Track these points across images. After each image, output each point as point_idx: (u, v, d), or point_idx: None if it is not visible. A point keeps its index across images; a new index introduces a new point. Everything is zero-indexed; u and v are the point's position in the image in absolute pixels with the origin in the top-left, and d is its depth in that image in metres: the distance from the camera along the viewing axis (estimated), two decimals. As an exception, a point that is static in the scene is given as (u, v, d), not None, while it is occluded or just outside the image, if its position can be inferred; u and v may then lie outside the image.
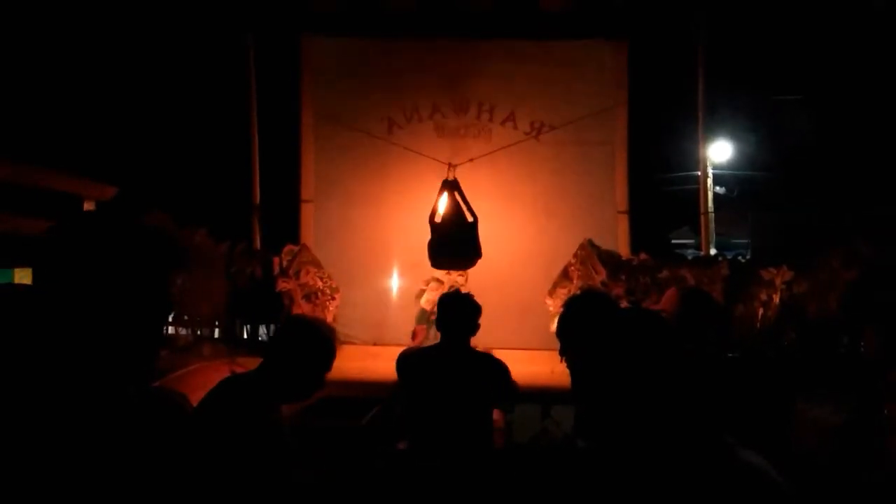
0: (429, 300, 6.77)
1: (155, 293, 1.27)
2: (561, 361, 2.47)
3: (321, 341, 2.27)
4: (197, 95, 7.67)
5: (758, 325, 5.90)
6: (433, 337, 3.79)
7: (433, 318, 6.67)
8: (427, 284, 6.89)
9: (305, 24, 7.63)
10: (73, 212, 5.15)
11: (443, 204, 6.37)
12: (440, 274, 6.81)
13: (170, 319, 6.03)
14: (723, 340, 5.59)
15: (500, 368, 3.38)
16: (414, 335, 4.04)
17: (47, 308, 1.15)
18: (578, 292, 4.56)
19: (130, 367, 1.24)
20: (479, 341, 5.11)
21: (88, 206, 5.47)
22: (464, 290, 6.57)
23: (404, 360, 3.43)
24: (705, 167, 8.58)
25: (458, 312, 3.34)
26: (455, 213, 6.32)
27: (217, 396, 2.10)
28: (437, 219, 6.31)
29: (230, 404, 2.06)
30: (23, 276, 5.32)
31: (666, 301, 2.89)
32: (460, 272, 6.70)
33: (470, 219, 6.33)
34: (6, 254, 5.09)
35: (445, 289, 6.63)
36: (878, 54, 7.53)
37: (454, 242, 6.24)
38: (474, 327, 3.39)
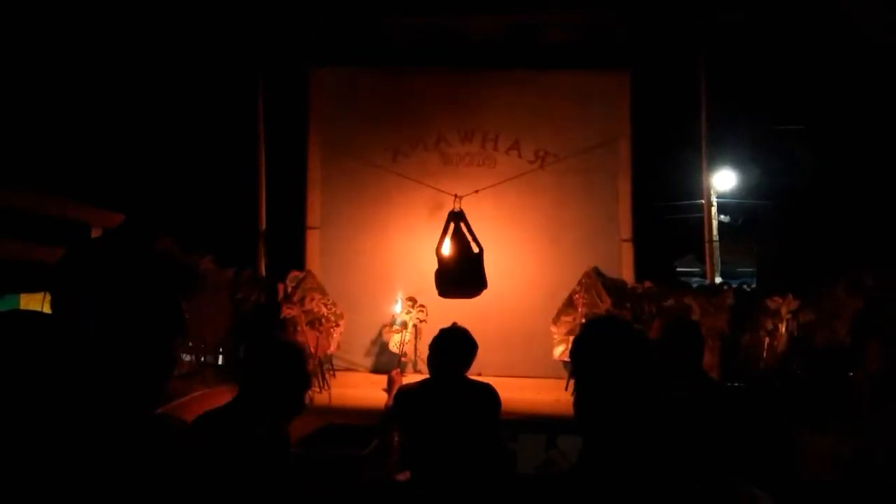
0: (395, 343, 6.81)
1: (167, 317, 1.28)
2: (566, 389, 2.44)
3: (295, 361, 2.24)
4: (205, 124, 7.76)
5: (764, 354, 5.87)
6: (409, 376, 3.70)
7: (403, 359, 6.75)
8: (391, 327, 6.92)
9: (314, 56, 7.74)
10: (86, 238, 5.18)
11: (449, 235, 6.44)
12: (403, 314, 6.91)
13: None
14: (726, 369, 5.56)
15: (496, 396, 3.35)
16: (391, 382, 3.99)
17: (58, 333, 1.16)
18: (602, 315, 4.54)
19: (142, 392, 1.25)
20: (483, 369, 5.11)
21: (96, 233, 5.50)
22: (420, 327, 6.68)
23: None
24: (709, 196, 8.60)
25: (452, 349, 3.31)
26: (461, 244, 6.41)
27: (203, 429, 2.05)
28: (444, 250, 6.39)
29: (218, 435, 2.03)
30: (29, 302, 5.35)
31: (655, 333, 2.88)
32: (420, 308, 6.84)
33: (475, 250, 6.42)
34: (13, 279, 5.12)
35: (409, 330, 6.71)
36: (881, 84, 7.58)
37: (460, 273, 6.34)
38: (469, 363, 3.35)
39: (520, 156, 7.59)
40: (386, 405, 4.07)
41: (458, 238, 6.45)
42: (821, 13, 6.90)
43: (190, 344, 6.25)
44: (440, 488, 3.05)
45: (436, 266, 6.40)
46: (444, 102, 7.71)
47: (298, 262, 7.40)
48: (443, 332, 3.40)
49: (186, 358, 6.24)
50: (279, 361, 2.20)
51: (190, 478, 1.30)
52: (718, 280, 8.91)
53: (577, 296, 6.64)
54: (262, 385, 2.15)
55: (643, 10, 7.32)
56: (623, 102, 7.63)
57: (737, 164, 13.48)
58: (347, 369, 7.19)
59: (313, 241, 7.69)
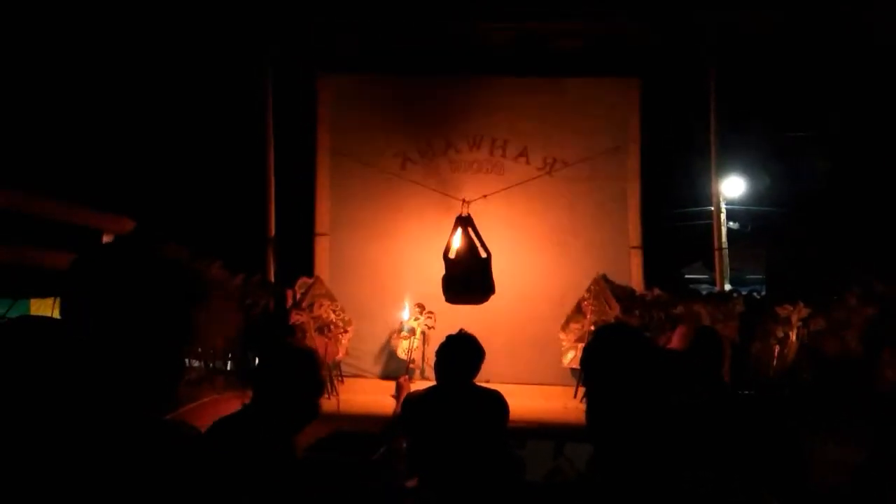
0: (403, 349, 6.83)
1: (175, 324, 1.29)
2: (575, 396, 2.43)
3: (309, 367, 2.24)
4: (215, 131, 7.81)
5: (774, 362, 5.83)
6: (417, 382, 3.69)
7: (412, 365, 6.75)
8: (399, 334, 6.94)
9: (322, 62, 7.78)
10: (96, 244, 5.21)
11: (457, 240, 6.43)
12: (411, 321, 6.97)
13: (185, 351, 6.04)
14: (736, 377, 5.53)
15: (504, 403, 3.33)
16: (399, 388, 3.99)
17: (67, 339, 1.17)
18: (612, 322, 4.53)
19: (151, 398, 1.26)
20: (491, 377, 5.10)
21: (107, 239, 5.54)
22: (428, 334, 6.70)
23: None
24: (718, 202, 8.57)
25: (460, 356, 3.29)
26: (469, 249, 6.38)
27: (216, 436, 2.05)
28: (452, 255, 6.37)
29: (232, 442, 2.03)
30: (39, 307, 5.39)
31: (677, 339, 2.87)
32: (429, 315, 6.87)
33: (483, 255, 6.38)
34: (25, 285, 5.17)
35: (417, 336, 6.73)
36: (890, 90, 7.55)
37: (468, 278, 6.30)
38: (476, 369, 3.34)
39: (528, 163, 7.59)
40: (394, 411, 4.07)
41: (466, 243, 6.43)
42: (831, 20, 6.88)
43: (199, 350, 6.28)
44: (447, 495, 3.04)
45: (444, 272, 6.40)
46: (453, 109, 7.73)
47: (307, 268, 7.42)
48: (450, 338, 3.39)
49: (196, 364, 6.26)
50: (293, 368, 2.20)
51: (203, 484, 1.31)
52: (727, 287, 8.85)
53: (585, 303, 6.63)
54: (276, 391, 2.15)
55: (653, 19, 7.32)
56: (632, 110, 7.63)
57: (746, 170, 13.43)
58: (355, 375, 7.19)
59: (322, 248, 7.72)
